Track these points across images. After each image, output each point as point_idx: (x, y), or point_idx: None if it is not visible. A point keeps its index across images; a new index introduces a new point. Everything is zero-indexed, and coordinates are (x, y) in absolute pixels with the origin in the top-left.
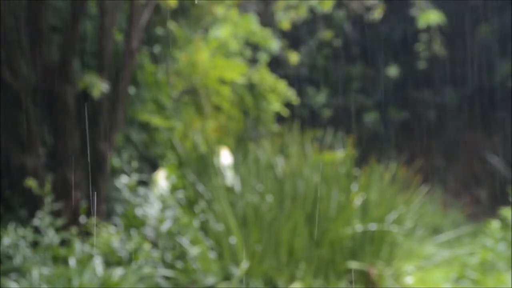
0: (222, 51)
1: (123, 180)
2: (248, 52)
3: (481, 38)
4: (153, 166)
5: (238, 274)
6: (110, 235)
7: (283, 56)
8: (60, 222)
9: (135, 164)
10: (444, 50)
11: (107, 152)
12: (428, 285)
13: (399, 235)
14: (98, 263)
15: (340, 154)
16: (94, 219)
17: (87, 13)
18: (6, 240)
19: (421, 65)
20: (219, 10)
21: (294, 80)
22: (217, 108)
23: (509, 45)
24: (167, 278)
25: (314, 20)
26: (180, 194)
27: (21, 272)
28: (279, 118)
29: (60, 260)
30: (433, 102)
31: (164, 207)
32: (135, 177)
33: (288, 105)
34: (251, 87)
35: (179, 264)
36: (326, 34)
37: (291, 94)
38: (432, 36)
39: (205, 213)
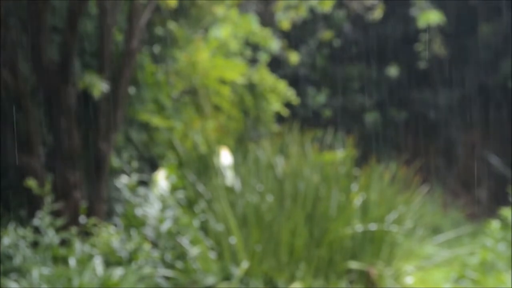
0: (222, 51)
1: (123, 180)
2: (248, 52)
3: (481, 38)
4: (153, 166)
5: (238, 274)
6: (110, 235)
7: (283, 56)
8: (60, 222)
9: (135, 164)
10: (444, 50)
11: (107, 152)
12: (428, 285)
13: (399, 235)
14: (98, 263)
15: (340, 154)
16: (94, 219)
17: (87, 13)
18: (6, 240)
19: (421, 65)
20: (219, 10)
21: (294, 80)
22: (217, 108)
23: (509, 45)
24: (167, 278)
25: (314, 20)
26: (180, 194)
27: (21, 272)
28: (279, 118)
29: (60, 260)
30: (433, 102)
31: (164, 207)
32: (135, 177)
33: (288, 105)
34: (251, 87)
35: (179, 264)
36: (326, 34)
37: (291, 94)
38: (432, 36)
39: (205, 213)
